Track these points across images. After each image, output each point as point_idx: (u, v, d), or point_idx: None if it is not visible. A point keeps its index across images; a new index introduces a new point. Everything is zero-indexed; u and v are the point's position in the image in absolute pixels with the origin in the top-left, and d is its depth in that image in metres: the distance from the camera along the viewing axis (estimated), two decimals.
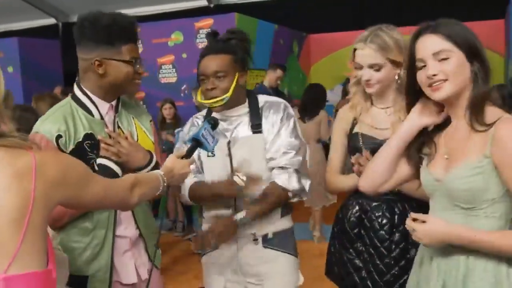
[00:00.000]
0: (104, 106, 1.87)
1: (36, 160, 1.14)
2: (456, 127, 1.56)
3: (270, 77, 5.71)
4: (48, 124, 1.78)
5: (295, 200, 2.13)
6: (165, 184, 1.63)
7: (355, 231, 2.07)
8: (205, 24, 5.99)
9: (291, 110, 2.16)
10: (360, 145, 2.02)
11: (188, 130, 2.06)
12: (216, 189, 2.05)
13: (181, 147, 2.08)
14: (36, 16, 9.50)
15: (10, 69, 7.26)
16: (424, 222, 1.50)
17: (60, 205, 1.24)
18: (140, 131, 1.97)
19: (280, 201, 2.08)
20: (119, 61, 1.80)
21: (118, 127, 1.90)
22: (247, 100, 2.15)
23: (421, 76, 1.51)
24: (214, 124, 1.88)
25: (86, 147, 1.79)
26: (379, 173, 1.70)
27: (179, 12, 8.20)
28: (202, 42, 5.98)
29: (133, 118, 1.98)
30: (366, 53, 1.96)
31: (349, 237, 2.08)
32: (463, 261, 1.49)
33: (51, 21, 9.72)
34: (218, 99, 2.03)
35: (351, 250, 2.08)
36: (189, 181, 2.11)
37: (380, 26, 1.98)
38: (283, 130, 2.09)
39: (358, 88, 2.08)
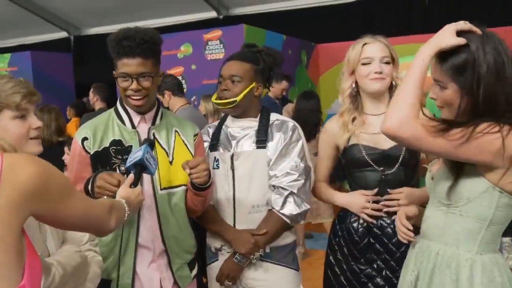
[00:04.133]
0: (136, 117, 1.96)
1: (3, 163, 1.03)
2: None
3: (275, 88, 5.74)
4: (82, 129, 1.97)
5: (293, 224, 2.15)
6: (128, 212, 1.57)
7: (365, 241, 2.07)
8: (214, 35, 6.04)
9: (300, 132, 2.17)
10: (364, 156, 2.05)
11: (132, 155, 1.79)
12: (227, 234, 2.10)
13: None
14: (48, 30, 9.68)
15: None
16: None
17: (34, 216, 1.13)
18: (179, 144, 2.02)
19: (281, 230, 2.11)
20: (115, 77, 1.89)
21: (154, 137, 1.97)
22: (259, 115, 2.19)
23: None
24: (152, 145, 1.83)
25: (112, 152, 1.91)
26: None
27: (188, 24, 8.30)
28: (210, 53, 6.04)
29: (175, 131, 2.03)
30: (377, 45, 2.02)
31: (359, 247, 2.08)
32: (433, 256, 1.55)
33: (63, 34, 9.89)
34: (226, 101, 2.09)
35: (362, 260, 2.08)
36: None
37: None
38: (290, 151, 2.11)
39: (352, 105, 2.10)
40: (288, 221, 2.08)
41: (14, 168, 1.04)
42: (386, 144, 1.99)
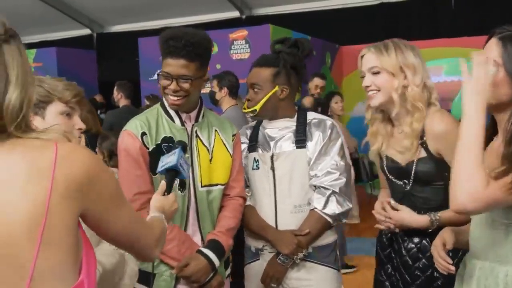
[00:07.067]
0: (183, 114, 1.97)
1: (57, 153, 0.99)
2: (500, 141, 1.50)
3: (309, 87, 5.71)
4: (135, 122, 1.94)
5: (335, 224, 2.15)
6: (165, 222, 1.47)
7: (385, 252, 2.01)
8: (240, 35, 6.04)
9: (339, 130, 2.17)
10: (384, 168, 1.98)
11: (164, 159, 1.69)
12: (268, 234, 2.10)
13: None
14: (72, 26, 9.76)
15: None
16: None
17: (81, 217, 1.07)
18: (218, 143, 2.03)
19: (323, 229, 2.11)
20: (158, 74, 1.91)
21: (197, 136, 1.98)
22: (296, 114, 2.19)
23: None
24: (184, 148, 1.77)
25: (164, 149, 1.90)
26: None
27: (210, 23, 8.30)
28: (236, 53, 6.03)
29: (215, 130, 2.04)
30: (367, 57, 1.89)
31: (380, 258, 2.04)
32: (502, 278, 1.45)
33: (86, 31, 9.97)
34: (249, 110, 2.17)
35: (382, 272, 2.03)
36: None
37: (397, 39, 1.90)
38: (330, 150, 2.11)
39: (375, 115, 1.97)
40: (330, 220, 2.09)
41: (67, 157, 1.00)
42: (404, 158, 1.88)
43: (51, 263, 0.98)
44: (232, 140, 2.08)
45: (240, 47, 6.03)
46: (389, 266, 1.99)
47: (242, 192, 2.12)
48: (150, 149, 1.89)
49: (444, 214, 1.81)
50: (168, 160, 1.61)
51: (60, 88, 1.65)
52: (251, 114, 2.20)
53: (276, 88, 2.12)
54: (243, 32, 6.04)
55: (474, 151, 1.30)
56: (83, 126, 1.68)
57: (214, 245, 1.95)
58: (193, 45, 1.82)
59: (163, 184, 1.58)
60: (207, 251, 1.93)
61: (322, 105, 5.06)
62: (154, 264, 1.88)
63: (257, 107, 2.13)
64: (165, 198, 1.54)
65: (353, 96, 7.47)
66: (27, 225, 0.95)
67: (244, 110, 2.25)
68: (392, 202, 1.92)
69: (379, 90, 1.86)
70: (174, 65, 1.83)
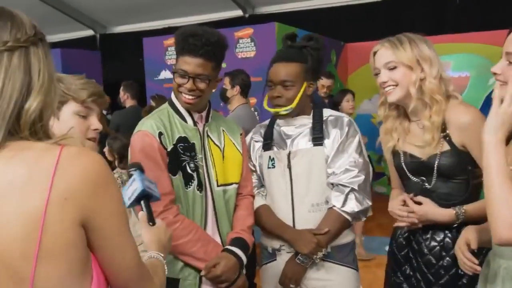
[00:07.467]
0: (195, 114, 1.94)
1: (60, 156, 0.90)
2: None
3: (317, 86, 5.67)
4: (150, 122, 1.88)
5: (354, 222, 2.11)
6: (165, 267, 1.34)
7: (403, 253, 1.98)
8: (245, 33, 5.99)
9: (356, 127, 2.13)
10: (402, 164, 1.93)
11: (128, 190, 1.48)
12: (286, 234, 2.06)
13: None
14: (75, 28, 9.75)
15: None
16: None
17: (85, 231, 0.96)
18: (228, 143, 2.02)
19: (342, 228, 2.07)
20: (173, 72, 1.88)
21: (208, 136, 1.97)
22: (312, 112, 2.15)
23: None
24: (141, 168, 1.54)
25: (180, 149, 1.87)
26: None
27: (215, 22, 8.28)
28: (241, 51, 5.99)
29: (223, 130, 2.03)
30: (381, 53, 1.86)
31: (397, 259, 2.00)
32: None
33: (89, 32, 9.96)
34: (282, 109, 2.05)
35: (399, 273, 1.99)
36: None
37: (409, 33, 1.87)
38: (348, 147, 2.06)
39: (390, 112, 1.95)
40: (350, 218, 2.05)
41: (71, 163, 0.91)
42: (425, 153, 1.85)
43: (53, 276, 0.90)
44: (240, 139, 2.07)
45: (245, 45, 5.98)
46: (407, 266, 1.96)
47: (252, 190, 2.12)
48: (168, 149, 1.86)
49: (469, 207, 1.78)
50: (132, 188, 1.44)
51: (74, 88, 1.56)
52: (284, 114, 2.07)
53: (305, 84, 2.07)
54: (248, 31, 5.99)
55: (502, 181, 1.27)
56: (99, 126, 1.60)
57: (240, 243, 1.93)
58: (212, 44, 1.80)
59: (142, 215, 1.42)
60: (235, 249, 1.91)
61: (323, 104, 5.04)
62: (178, 269, 1.87)
63: (293, 105, 2.05)
64: (157, 229, 1.39)
65: (359, 94, 7.44)
66: (26, 233, 0.88)
67: (270, 109, 2.10)
68: (418, 197, 1.89)
69: (396, 85, 1.83)
70: (192, 63, 1.80)
